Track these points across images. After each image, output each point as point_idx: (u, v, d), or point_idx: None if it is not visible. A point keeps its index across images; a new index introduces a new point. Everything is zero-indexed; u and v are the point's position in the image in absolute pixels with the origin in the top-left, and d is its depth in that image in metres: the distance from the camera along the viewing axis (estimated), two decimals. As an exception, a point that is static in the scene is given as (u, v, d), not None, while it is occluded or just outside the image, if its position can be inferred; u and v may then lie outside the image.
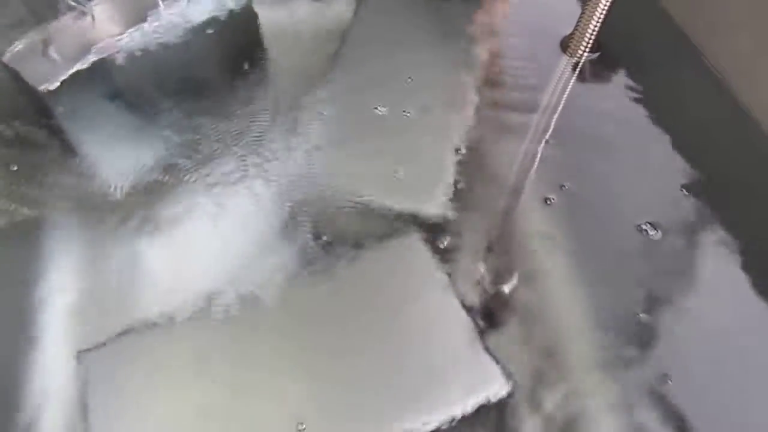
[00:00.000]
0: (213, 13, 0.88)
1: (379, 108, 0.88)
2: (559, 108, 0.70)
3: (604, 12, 0.78)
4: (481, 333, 0.69)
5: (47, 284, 0.76)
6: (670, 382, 0.68)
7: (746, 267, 0.75)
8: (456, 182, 0.81)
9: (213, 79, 0.93)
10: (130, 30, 0.85)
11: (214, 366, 0.66)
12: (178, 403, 0.64)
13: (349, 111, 0.88)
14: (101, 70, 0.83)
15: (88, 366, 0.66)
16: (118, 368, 0.66)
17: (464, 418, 0.64)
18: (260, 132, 0.88)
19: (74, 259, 0.79)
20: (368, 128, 0.86)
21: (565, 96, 0.70)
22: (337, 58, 0.93)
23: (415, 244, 0.75)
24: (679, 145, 0.85)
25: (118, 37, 0.84)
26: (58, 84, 0.80)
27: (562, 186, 0.82)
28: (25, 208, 0.83)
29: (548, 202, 0.80)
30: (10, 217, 0.82)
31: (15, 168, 0.86)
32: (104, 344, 0.68)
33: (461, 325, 0.69)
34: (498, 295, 0.74)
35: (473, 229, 0.79)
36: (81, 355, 0.67)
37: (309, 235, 0.78)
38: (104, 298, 0.76)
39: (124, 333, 0.68)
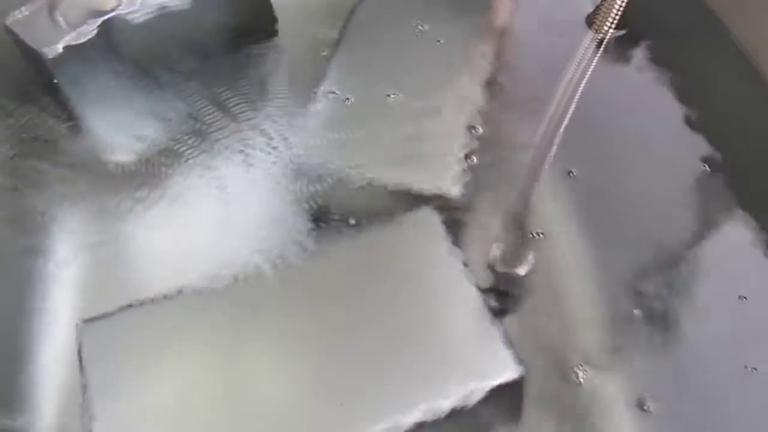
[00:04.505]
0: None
1: (391, 83, 0.86)
2: (582, 84, 0.68)
3: (631, -13, 0.75)
4: (494, 315, 0.67)
5: (49, 255, 0.76)
6: (687, 371, 0.67)
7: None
8: (471, 160, 0.80)
9: (222, 49, 0.91)
10: (137, -5, 0.83)
11: (218, 341, 0.65)
12: (179, 377, 0.64)
13: (360, 86, 0.86)
14: (107, 35, 0.81)
15: (88, 337, 0.65)
16: (119, 340, 0.65)
17: (474, 402, 0.62)
18: (270, 104, 0.87)
19: (77, 230, 0.78)
20: (380, 104, 0.84)
21: (588, 72, 0.68)
22: (348, 31, 0.91)
23: (427, 223, 0.73)
24: (705, 124, 0.83)
25: (125, 3, 0.82)
26: (62, 49, 0.79)
27: (582, 166, 0.80)
28: (27, 176, 0.82)
29: (568, 182, 0.79)
30: (11, 185, 0.81)
31: (17, 135, 0.84)
32: (105, 316, 0.67)
33: (474, 306, 0.67)
34: (513, 277, 0.73)
35: (489, 208, 0.77)
36: (81, 325, 0.66)
37: (319, 212, 0.77)
38: (107, 271, 0.75)
39: (127, 306, 0.67)
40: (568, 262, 0.74)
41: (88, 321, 0.67)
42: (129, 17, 0.82)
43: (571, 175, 0.80)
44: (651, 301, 0.71)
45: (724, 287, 0.72)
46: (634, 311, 0.71)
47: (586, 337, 0.70)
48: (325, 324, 0.66)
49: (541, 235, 0.76)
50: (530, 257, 0.73)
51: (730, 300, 0.71)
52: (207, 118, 0.86)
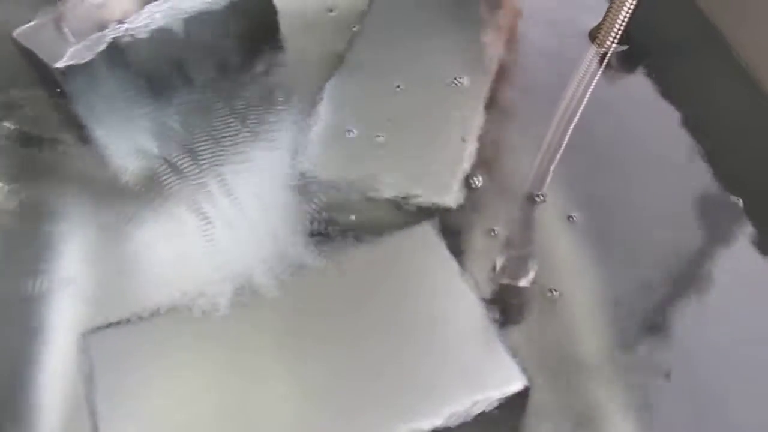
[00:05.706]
0: (229, -6, 0.87)
1: (395, 94, 0.86)
2: (585, 99, 0.68)
3: (633, 3, 0.76)
4: (497, 327, 0.67)
5: (55, 267, 0.76)
6: (689, 380, 0.66)
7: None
8: (473, 172, 0.80)
9: (228, 62, 0.91)
10: (144, 9, 0.84)
11: (221, 353, 0.65)
12: (183, 388, 0.64)
13: (364, 97, 0.86)
14: (114, 48, 0.82)
15: (92, 348, 0.65)
16: (123, 352, 0.65)
17: (478, 414, 0.62)
18: (276, 117, 0.87)
19: (82, 244, 0.78)
20: (383, 115, 0.84)
21: (591, 87, 0.68)
22: (353, 43, 0.91)
23: (429, 235, 0.73)
24: (707, 139, 0.83)
25: (132, 16, 0.83)
26: (69, 60, 0.79)
27: (585, 179, 0.80)
28: (34, 189, 0.82)
29: (570, 197, 0.78)
30: (18, 198, 0.81)
31: (25, 148, 0.85)
32: (109, 327, 0.67)
33: (476, 318, 0.67)
34: (515, 289, 0.72)
35: (490, 221, 0.77)
36: (85, 337, 0.66)
37: (321, 224, 0.77)
38: (111, 284, 0.75)
39: (130, 318, 0.67)
40: (573, 273, 0.74)
41: (92, 332, 0.67)
42: (134, 31, 0.83)
43: (572, 219, 0.79)
44: (660, 314, 0.71)
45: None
46: (643, 323, 0.70)
47: (591, 349, 0.69)
48: (327, 336, 0.66)
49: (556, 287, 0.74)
50: (533, 269, 0.73)
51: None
52: (211, 130, 0.86)
